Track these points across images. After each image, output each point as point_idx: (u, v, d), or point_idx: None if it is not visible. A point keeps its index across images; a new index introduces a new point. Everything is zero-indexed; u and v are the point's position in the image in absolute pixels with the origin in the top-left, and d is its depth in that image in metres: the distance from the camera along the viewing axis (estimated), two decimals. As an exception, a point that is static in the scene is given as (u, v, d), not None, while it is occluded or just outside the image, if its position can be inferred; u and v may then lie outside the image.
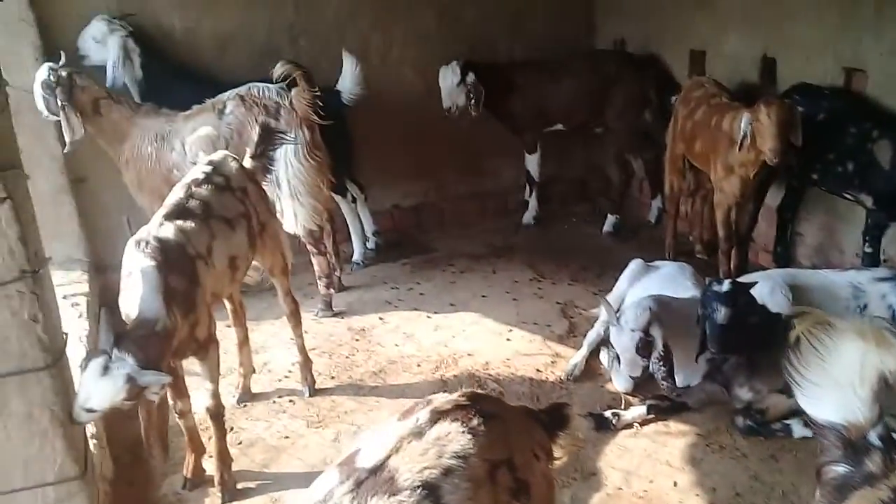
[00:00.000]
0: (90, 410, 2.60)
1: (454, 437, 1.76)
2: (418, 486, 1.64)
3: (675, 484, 3.28)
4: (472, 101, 5.75)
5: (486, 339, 4.61)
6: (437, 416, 1.82)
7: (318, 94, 4.49)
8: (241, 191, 3.58)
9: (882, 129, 4.13)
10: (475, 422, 1.81)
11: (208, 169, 3.55)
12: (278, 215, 4.65)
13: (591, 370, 4.21)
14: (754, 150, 4.28)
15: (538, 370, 4.25)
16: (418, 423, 1.80)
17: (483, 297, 5.19)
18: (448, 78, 5.75)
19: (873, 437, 1.74)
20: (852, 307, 3.88)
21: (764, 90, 4.94)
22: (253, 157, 3.82)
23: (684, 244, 5.80)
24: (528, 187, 6.41)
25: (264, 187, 3.87)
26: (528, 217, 6.43)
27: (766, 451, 3.46)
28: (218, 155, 3.74)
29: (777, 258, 5.07)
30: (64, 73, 4.31)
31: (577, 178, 7.08)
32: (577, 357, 4.24)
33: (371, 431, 1.86)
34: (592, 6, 6.75)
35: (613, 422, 3.68)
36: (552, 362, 4.32)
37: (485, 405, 1.90)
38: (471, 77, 5.72)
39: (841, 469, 1.72)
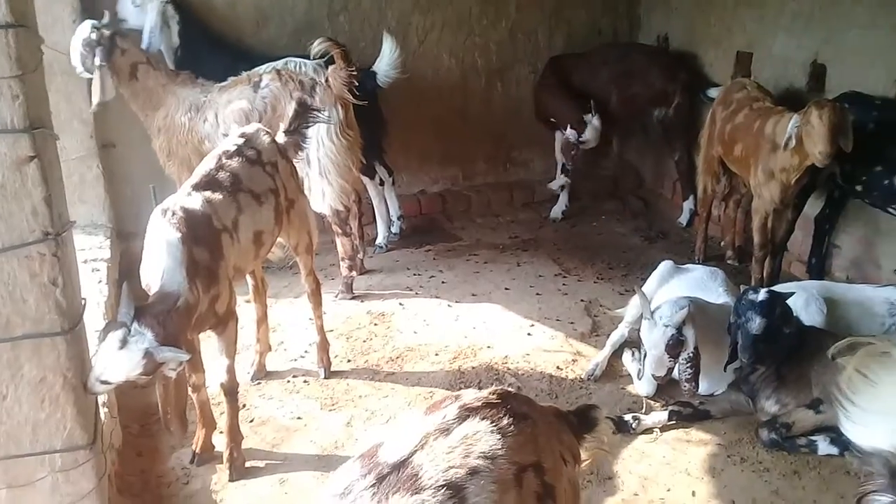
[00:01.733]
0: (105, 382, 2.56)
1: (482, 437, 1.69)
2: (443, 486, 1.57)
3: (694, 493, 3.19)
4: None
5: (506, 333, 4.53)
6: (466, 412, 1.75)
7: (354, 72, 4.42)
8: (271, 165, 3.52)
9: (932, 144, 4.00)
10: (505, 421, 1.74)
11: (240, 141, 3.50)
12: (306, 193, 4.62)
13: (612, 371, 4.12)
14: (799, 154, 4.15)
15: (558, 367, 4.17)
16: (445, 419, 1.73)
17: (506, 289, 5.10)
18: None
19: None
20: (888, 324, 3.78)
21: (812, 96, 4.79)
22: (286, 132, 3.76)
23: (715, 249, 5.69)
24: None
25: (295, 164, 3.81)
26: (556, 211, 6.33)
27: (789, 467, 3.35)
28: (251, 128, 3.68)
29: (811, 269, 4.93)
30: (107, 33, 4.27)
31: (608, 174, 6.96)
32: (599, 357, 4.15)
33: (395, 424, 1.80)
34: (636, 0, 6.61)
35: (633, 425, 3.59)
36: (573, 360, 4.23)
37: (515, 404, 1.83)
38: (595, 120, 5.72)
39: (886, 499, 1.62)
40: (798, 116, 4.09)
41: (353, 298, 4.97)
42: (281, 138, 3.71)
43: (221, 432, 3.41)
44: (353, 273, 5.01)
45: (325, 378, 4.06)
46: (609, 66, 6.02)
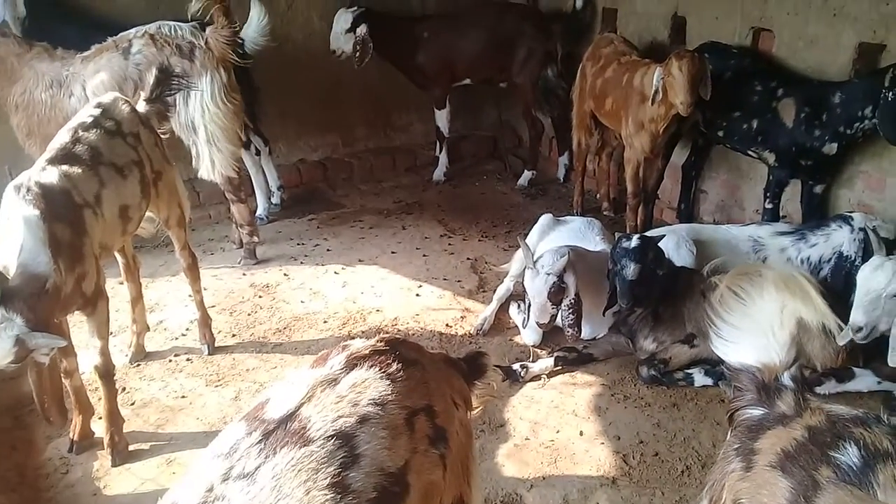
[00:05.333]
0: (-28, 373, 2.38)
1: (371, 384, 1.67)
2: (332, 436, 1.54)
3: (581, 433, 3.31)
4: (357, 54, 5.58)
5: (395, 295, 4.53)
6: (354, 361, 1.72)
7: (237, 30, 4.25)
8: (133, 136, 3.34)
9: (786, 88, 4.24)
10: (394, 367, 1.72)
11: (97, 112, 3.29)
12: (195, 161, 4.44)
13: (500, 324, 4.20)
14: (665, 104, 4.31)
15: (448, 325, 4.21)
16: (333, 369, 1.70)
17: (392, 252, 5.09)
18: (339, 23, 5.63)
19: (786, 379, 1.76)
20: (753, 259, 4.01)
21: (674, 48, 4.96)
22: (147, 101, 3.57)
23: (592, 201, 5.87)
24: (437, 143, 6.31)
25: (160, 133, 3.62)
26: (438, 173, 6.35)
27: (669, 400, 3.53)
28: (108, 97, 3.46)
29: (681, 214, 5.18)
30: None
31: (488, 135, 7.05)
32: (486, 311, 4.22)
33: (282, 381, 1.74)
34: (505, -40, 6.64)
35: (521, 374, 3.68)
36: (462, 317, 4.28)
37: (404, 350, 1.81)
38: (362, 29, 5.56)
39: (754, 411, 1.72)
40: (661, 69, 4.23)
41: (257, 263, 4.89)
42: (142, 107, 3.52)
43: (101, 418, 3.24)
44: (255, 238, 4.91)
45: (210, 354, 3.93)
46: (485, 29, 5.99)
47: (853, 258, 3.71)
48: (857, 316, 3.21)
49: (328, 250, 5.14)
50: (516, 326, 4.15)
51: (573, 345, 3.85)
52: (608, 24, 5.75)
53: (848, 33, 4.08)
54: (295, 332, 4.17)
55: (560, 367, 3.76)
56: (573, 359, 3.80)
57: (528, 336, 4.00)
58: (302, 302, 4.47)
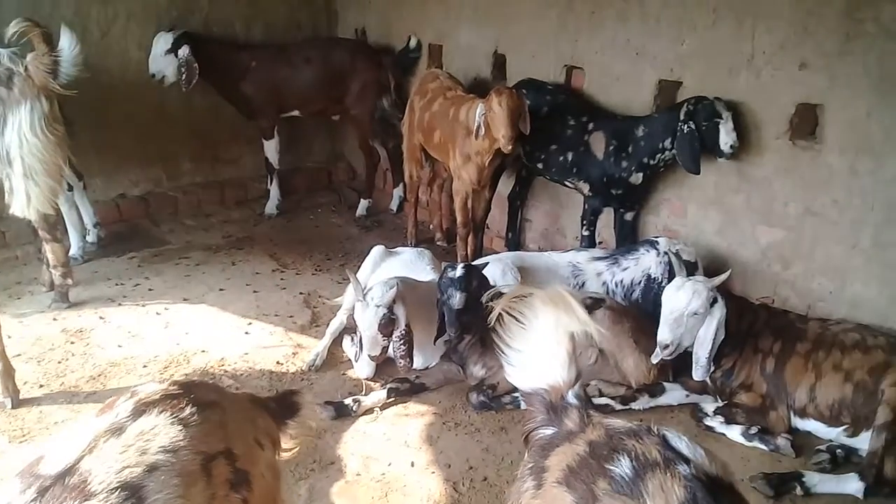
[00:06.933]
0: None
1: (161, 430, 1.58)
2: (116, 488, 1.44)
3: (413, 464, 3.30)
4: (184, 76, 5.42)
5: (222, 334, 4.35)
6: (143, 407, 1.63)
7: (58, 57, 3.97)
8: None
9: (596, 122, 4.52)
10: (188, 411, 1.64)
11: None
12: (7, 197, 4.11)
13: (333, 359, 4.14)
14: (489, 138, 4.45)
15: (279, 362, 4.09)
16: (118, 417, 1.59)
17: (221, 290, 4.90)
18: (158, 45, 5.47)
19: (571, 397, 1.84)
20: (573, 284, 4.21)
21: (496, 84, 5.18)
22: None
23: (426, 232, 5.95)
24: (268, 176, 6.19)
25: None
26: (270, 207, 6.22)
27: (497, 424, 3.61)
28: None
29: (509, 243, 5.36)
30: None
31: (321, 167, 7.01)
32: (318, 346, 4.15)
33: (61, 434, 1.61)
34: (332, -6, 6.70)
35: (354, 408, 3.63)
36: (294, 353, 4.18)
37: (199, 393, 1.73)
38: (184, 50, 5.40)
39: (546, 431, 1.79)
40: (483, 104, 4.39)
41: (70, 307, 4.55)
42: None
43: None
44: (69, 280, 4.56)
45: (13, 408, 3.59)
46: (317, 63, 5.97)
47: (660, 280, 3.98)
48: (663, 334, 3.45)
49: (150, 290, 4.87)
50: (350, 360, 4.11)
51: (406, 375, 3.86)
52: (435, 59, 5.92)
53: (649, 71, 4.43)
54: (111, 379, 3.90)
55: (393, 399, 3.75)
56: (406, 389, 3.80)
57: (361, 369, 3.97)
58: (119, 346, 4.20)
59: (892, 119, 3.48)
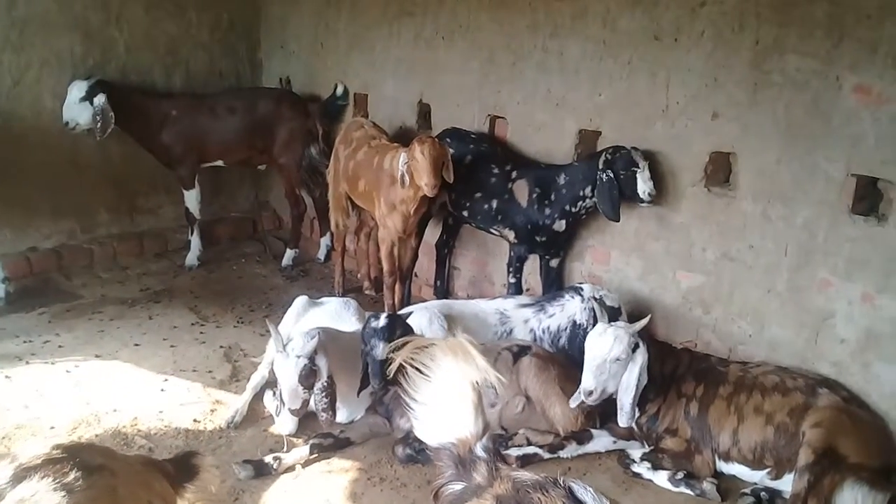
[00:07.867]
0: None
1: (43, 497, 1.46)
2: None
3: (337, 524, 3.18)
4: (99, 124, 5.27)
5: (136, 392, 4.14)
6: (23, 473, 1.51)
7: None
8: None
9: (520, 170, 4.56)
10: (72, 476, 1.53)
11: None
12: None
13: (254, 415, 3.98)
14: (413, 186, 4.44)
15: (196, 420, 3.91)
16: None
17: (136, 345, 4.69)
18: (72, 92, 5.29)
19: (479, 449, 1.79)
20: (500, 331, 4.20)
21: (421, 132, 5.22)
22: None
23: (354, 281, 5.87)
24: (189, 226, 6.02)
25: None
26: (191, 258, 6.03)
27: (424, 478, 3.50)
28: None
29: (437, 291, 5.32)
30: None
31: (246, 217, 6.86)
32: (239, 402, 3.99)
33: None
34: (255, 44, 6.64)
35: (274, 466, 3.48)
36: (212, 410, 4.01)
37: (86, 456, 1.62)
38: (100, 98, 5.25)
39: (455, 486, 1.73)
40: (405, 153, 4.39)
41: None
42: None
43: None
44: None
45: None
46: (241, 113, 5.88)
47: (585, 326, 3.99)
48: (587, 380, 3.44)
49: (60, 347, 4.62)
50: (271, 416, 3.96)
51: (330, 430, 3.74)
52: (360, 108, 5.92)
53: (569, 121, 4.52)
54: (15, 441, 3.64)
55: (316, 455, 3.62)
56: (329, 445, 3.68)
57: (283, 425, 3.82)
58: (26, 407, 3.95)
59: (800, 166, 3.62)
